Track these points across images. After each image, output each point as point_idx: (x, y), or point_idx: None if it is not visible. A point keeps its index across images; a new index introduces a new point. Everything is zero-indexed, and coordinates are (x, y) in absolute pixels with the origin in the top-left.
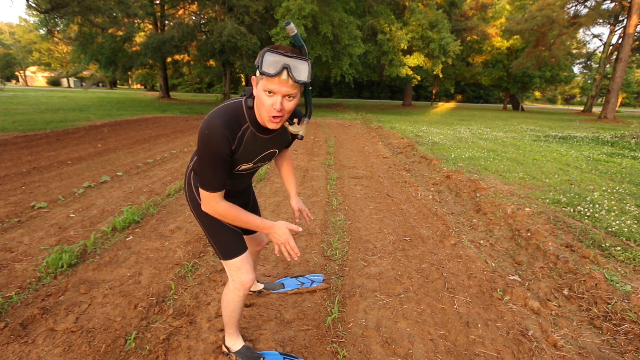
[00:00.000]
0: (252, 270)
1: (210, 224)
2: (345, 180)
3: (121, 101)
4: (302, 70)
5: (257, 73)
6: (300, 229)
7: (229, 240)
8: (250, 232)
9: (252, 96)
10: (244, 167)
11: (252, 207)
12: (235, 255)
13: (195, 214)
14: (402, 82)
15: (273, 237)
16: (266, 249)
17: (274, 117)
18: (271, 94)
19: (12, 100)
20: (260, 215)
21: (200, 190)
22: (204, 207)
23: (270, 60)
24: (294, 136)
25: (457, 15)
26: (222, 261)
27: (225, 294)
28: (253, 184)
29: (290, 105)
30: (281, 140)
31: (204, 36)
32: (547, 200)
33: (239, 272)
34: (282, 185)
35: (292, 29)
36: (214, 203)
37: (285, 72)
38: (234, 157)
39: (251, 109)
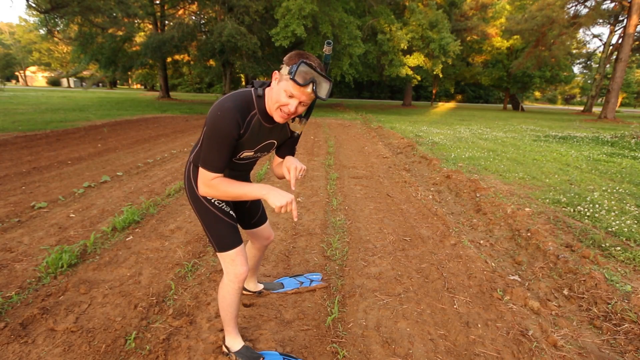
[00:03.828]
0: (246, 262)
1: (207, 216)
2: (345, 180)
3: (121, 101)
4: (324, 88)
5: (284, 72)
6: (294, 188)
7: (225, 233)
8: (255, 226)
9: (262, 86)
10: (245, 154)
11: (252, 202)
12: (230, 248)
13: (194, 206)
14: (402, 82)
15: (272, 201)
16: (267, 249)
17: (282, 113)
18: (291, 97)
19: (12, 100)
20: (262, 209)
21: (200, 171)
22: (200, 189)
23: (303, 72)
24: (292, 133)
25: (457, 15)
26: (217, 253)
27: (221, 288)
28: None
29: (301, 110)
30: (281, 133)
31: (204, 36)
32: (547, 200)
33: (234, 264)
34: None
35: (330, 49)
36: (212, 184)
37: (311, 86)
38: (239, 142)
39: (260, 97)
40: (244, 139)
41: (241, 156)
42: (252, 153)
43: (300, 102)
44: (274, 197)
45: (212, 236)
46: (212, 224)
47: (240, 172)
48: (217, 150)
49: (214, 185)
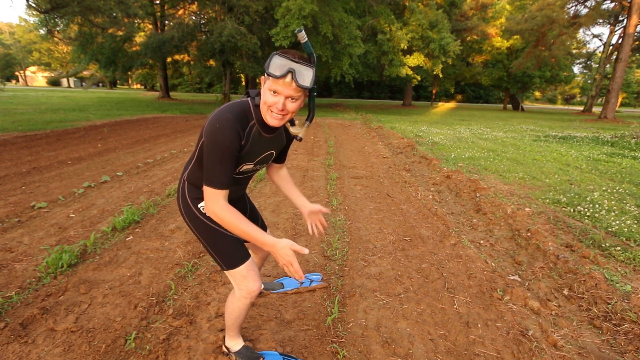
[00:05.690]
0: (258, 277)
1: (208, 234)
2: (345, 180)
3: (121, 101)
4: (307, 75)
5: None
6: (307, 251)
7: (230, 249)
8: None
9: (259, 95)
10: (245, 167)
11: (250, 214)
12: (239, 264)
13: (192, 226)
14: (402, 82)
15: (276, 256)
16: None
17: (274, 114)
18: (275, 94)
19: (12, 100)
20: (261, 220)
21: (205, 189)
22: (206, 208)
23: (277, 63)
24: (291, 137)
25: (457, 15)
26: (226, 272)
27: (231, 301)
28: (253, 185)
29: (293, 106)
30: (279, 141)
31: (204, 36)
32: (547, 200)
33: (246, 281)
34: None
35: (303, 36)
36: (219, 202)
37: (289, 76)
38: (240, 154)
39: (258, 107)
40: (245, 151)
41: (241, 169)
42: (252, 166)
43: (286, 97)
44: (278, 254)
45: (218, 254)
46: (215, 241)
47: (239, 185)
48: (220, 164)
49: (224, 216)
